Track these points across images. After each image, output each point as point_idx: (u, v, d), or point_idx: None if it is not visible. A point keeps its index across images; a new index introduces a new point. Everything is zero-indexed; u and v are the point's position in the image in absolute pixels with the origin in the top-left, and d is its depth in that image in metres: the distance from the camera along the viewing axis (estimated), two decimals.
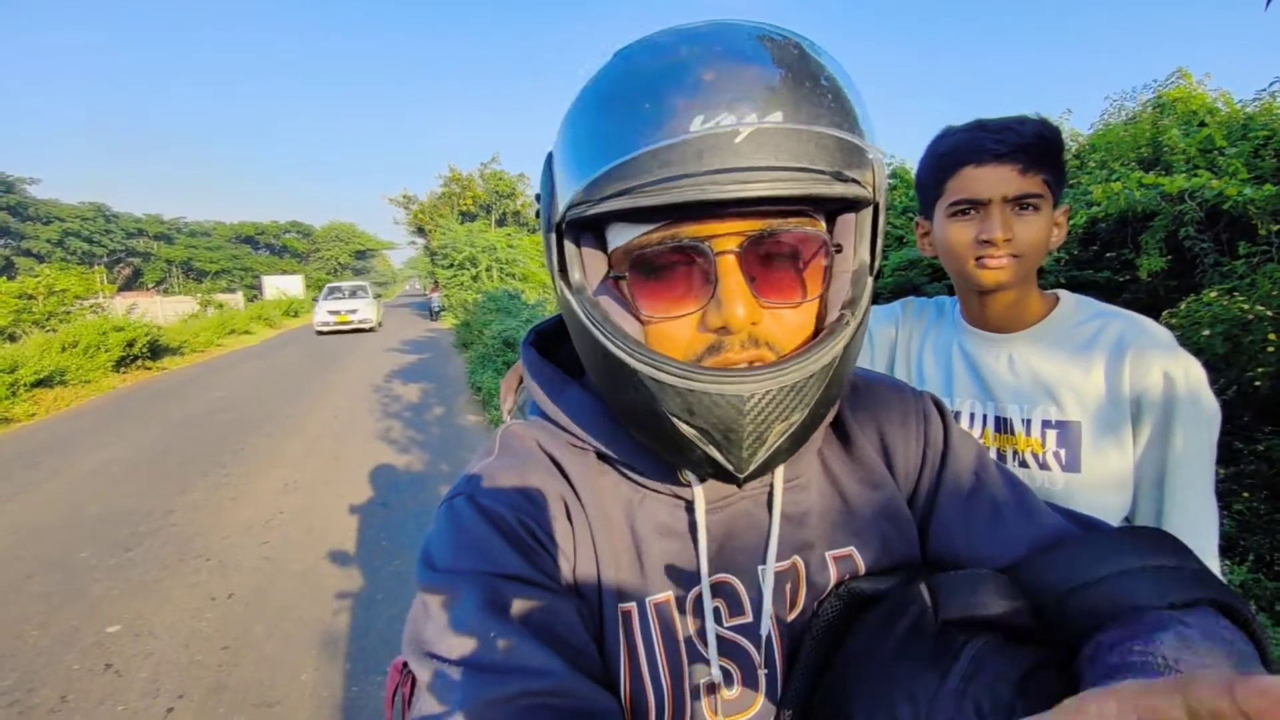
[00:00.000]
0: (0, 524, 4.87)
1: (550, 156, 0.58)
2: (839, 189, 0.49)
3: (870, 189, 0.52)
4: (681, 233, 0.52)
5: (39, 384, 10.22)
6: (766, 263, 0.53)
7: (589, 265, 0.57)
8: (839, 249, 0.56)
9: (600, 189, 0.49)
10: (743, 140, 0.45)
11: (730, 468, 0.53)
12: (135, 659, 3.05)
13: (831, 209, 0.57)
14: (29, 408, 9.41)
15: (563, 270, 0.57)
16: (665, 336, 0.54)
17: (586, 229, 0.57)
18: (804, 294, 0.55)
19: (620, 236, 0.55)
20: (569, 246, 0.57)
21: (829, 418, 0.66)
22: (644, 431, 0.56)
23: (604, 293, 0.57)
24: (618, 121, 0.49)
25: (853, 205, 0.56)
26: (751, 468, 0.53)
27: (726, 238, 0.51)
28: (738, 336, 0.52)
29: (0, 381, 9.21)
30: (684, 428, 0.52)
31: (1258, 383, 2.95)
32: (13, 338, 13.16)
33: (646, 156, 0.47)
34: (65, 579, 3.91)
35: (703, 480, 0.61)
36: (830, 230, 0.58)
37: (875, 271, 0.57)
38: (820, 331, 0.55)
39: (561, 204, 0.54)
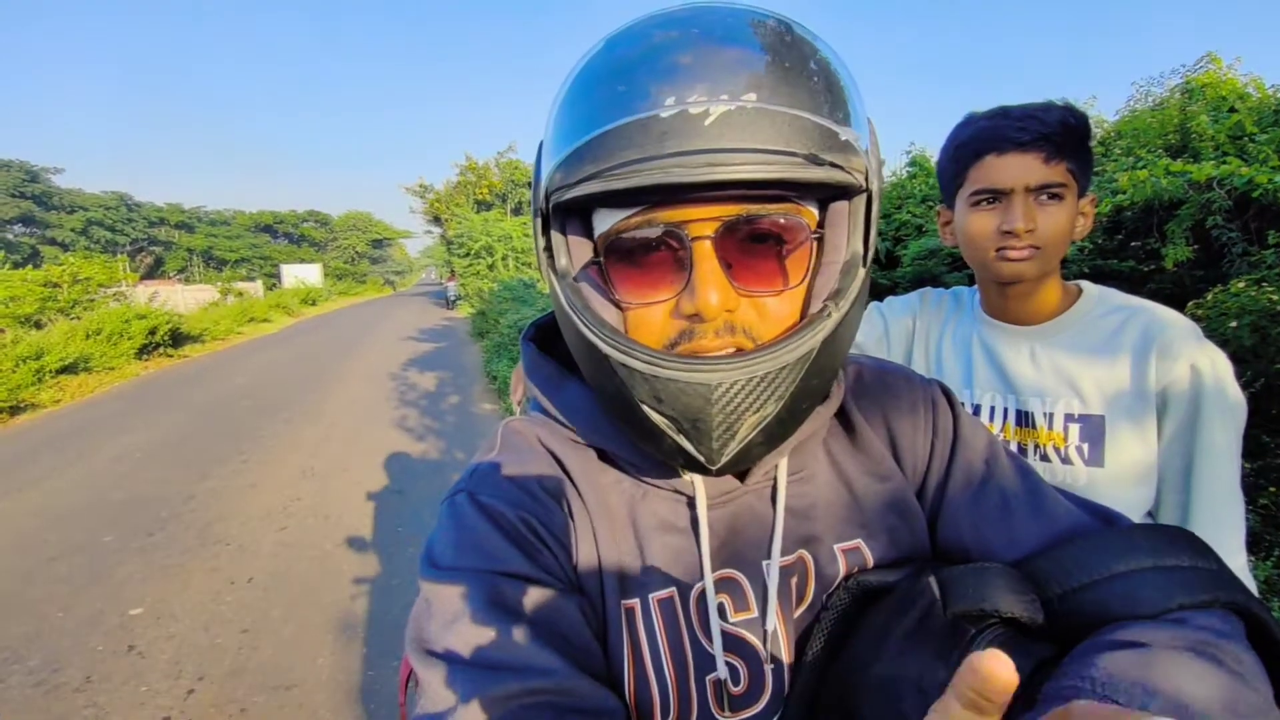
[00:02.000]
0: (27, 508, 4.98)
1: (540, 143, 0.57)
2: (816, 173, 0.47)
3: (859, 175, 0.50)
4: (657, 217, 0.51)
5: (64, 370, 10.42)
6: (745, 249, 0.52)
7: (574, 251, 0.57)
8: (821, 237, 0.55)
9: (573, 171, 0.49)
10: (712, 122, 0.44)
11: (700, 459, 0.52)
12: (157, 641, 3.12)
13: (820, 196, 0.55)
14: (54, 394, 9.60)
15: (549, 255, 0.57)
16: (642, 322, 0.54)
17: (572, 214, 0.56)
18: (785, 282, 0.53)
19: (603, 221, 0.54)
20: (554, 231, 0.56)
21: (831, 407, 0.64)
22: (620, 418, 0.56)
23: (585, 278, 0.56)
24: (591, 104, 0.49)
25: (843, 192, 0.54)
26: (723, 460, 0.52)
27: (702, 223, 0.50)
28: (711, 324, 0.51)
29: (26, 368, 9.39)
30: (654, 415, 0.51)
31: None
32: (39, 325, 13.40)
33: (611, 135, 0.46)
34: (89, 562, 3.99)
35: (681, 472, 0.60)
36: (821, 218, 0.56)
37: (869, 261, 0.55)
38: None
39: (543, 187, 0.53)
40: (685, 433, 0.51)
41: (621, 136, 0.46)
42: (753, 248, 0.52)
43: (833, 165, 0.48)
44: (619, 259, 0.54)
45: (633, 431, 0.55)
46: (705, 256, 0.50)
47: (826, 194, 0.55)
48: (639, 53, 0.48)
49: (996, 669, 0.26)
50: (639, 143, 0.45)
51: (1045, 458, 1.06)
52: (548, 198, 0.53)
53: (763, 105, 0.45)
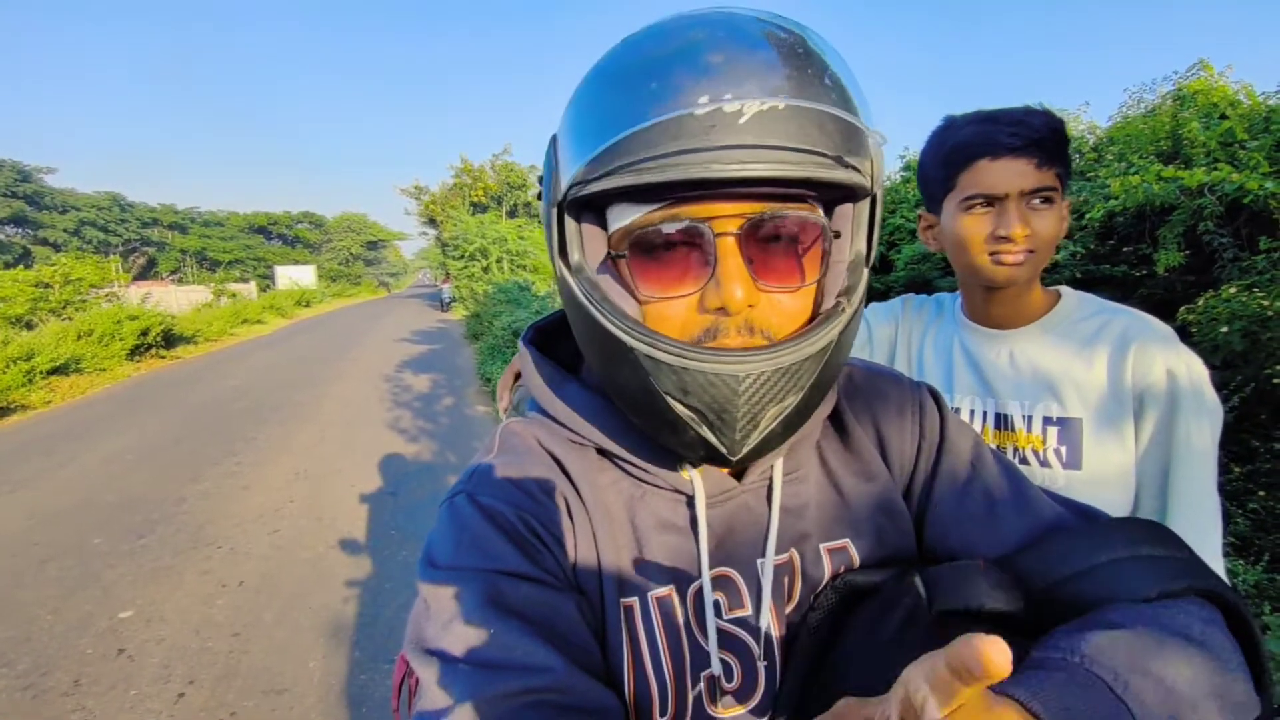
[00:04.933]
0: (17, 510, 4.95)
1: (554, 138, 0.58)
2: (840, 174, 0.49)
3: (869, 179, 0.52)
4: (682, 213, 0.52)
5: (55, 371, 10.36)
6: (765, 246, 0.53)
7: (589, 246, 0.57)
8: (837, 235, 0.56)
9: (605, 164, 0.49)
10: (747, 119, 0.45)
11: (723, 449, 0.53)
12: (147, 644, 3.09)
13: (830, 198, 0.57)
14: (45, 395, 9.55)
15: (563, 251, 0.57)
16: (663, 317, 0.54)
17: (587, 209, 0.57)
18: (802, 279, 0.55)
19: (621, 217, 0.55)
20: (570, 226, 0.57)
21: (826, 409, 0.66)
22: (638, 412, 0.56)
23: (603, 273, 0.57)
24: (624, 99, 0.49)
25: (851, 195, 0.56)
26: (744, 450, 0.53)
27: (727, 219, 0.51)
28: (734, 319, 0.52)
29: (17, 369, 9.33)
30: (678, 407, 0.52)
31: (1276, 380, 2.90)
32: (30, 326, 13.32)
33: (653, 130, 0.47)
34: (79, 564, 3.97)
35: (696, 465, 0.61)
36: (829, 220, 0.57)
37: (871, 262, 0.57)
38: (816, 318, 0.55)
39: (564, 182, 0.53)
40: (709, 424, 0.52)
41: (657, 132, 0.47)
42: (773, 245, 0.53)
43: (853, 168, 0.50)
44: (641, 253, 0.54)
45: (652, 424, 0.56)
46: (730, 252, 0.51)
47: (836, 195, 0.56)
48: (669, 50, 0.49)
49: (993, 655, 0.27)
50: (675, 137, 0.46)
51: (1024, 461, 1.07)
52: (568, 191, 0.53)
53: (794, 103, 0.46)
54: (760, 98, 0.45)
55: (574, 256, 0.56)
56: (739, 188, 0.50)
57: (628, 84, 0.49)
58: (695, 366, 0.50)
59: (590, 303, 0.54)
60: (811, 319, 0.56)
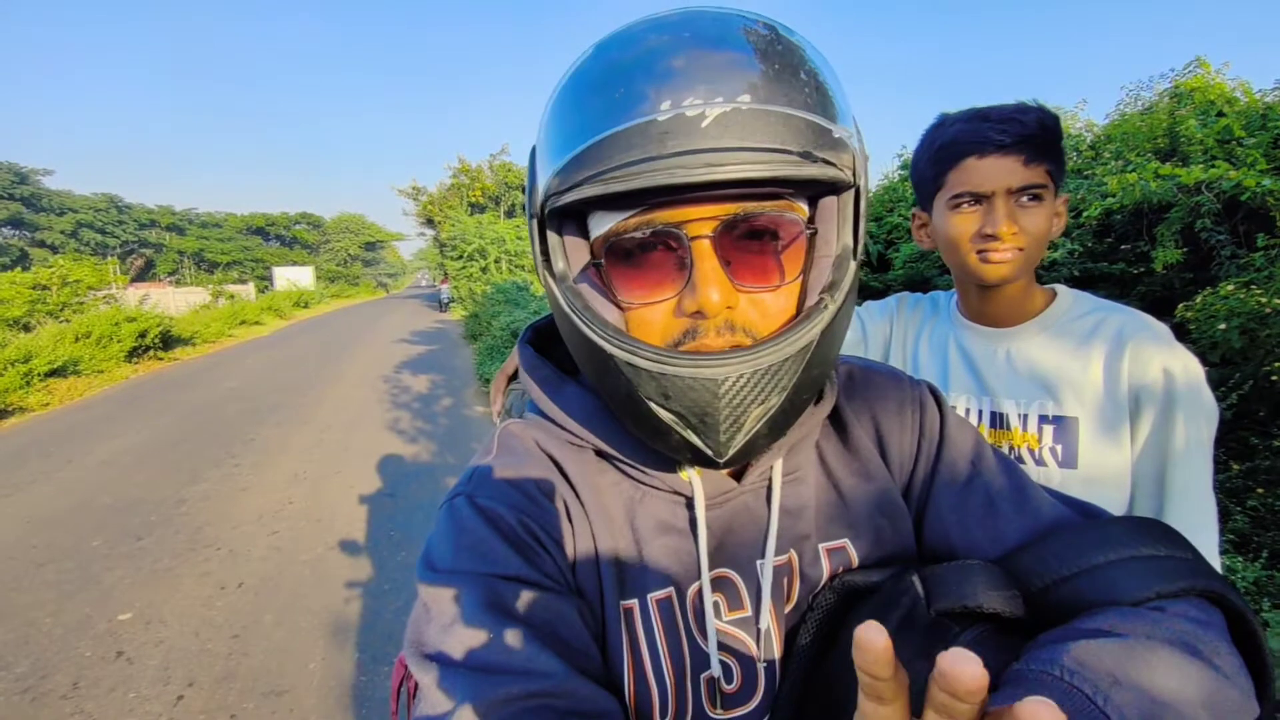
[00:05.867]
0: (14, 513, 4.93)
1: (533, 149, 0.58)
2: (810, 170, 0.48)
3: (848, 171, 0.51)
4: (656, 218, 0.52)
5: (53, 374, 10.34)
6: (742, 246, 0.53)
7: (571, 254, 0.57)
8: (814, 232, 0.56)
9: (572, 175, 0.49)
10: (710, 123, 0.45)
11: (709, 452, 0.52)
12: (146, 647, 3.09)
13: (811, 192, 0.56)
14: (43, 397, 9.52)
15: (546, 260, 0.57)
16: (643, 322, 0.54)
17: (569, 218, 0.57)
18: (782, 277, 0.54)
19: (600, 224, 0.55)
20: (551, 235, 0.57)
21: (825, 408, 0.65)
22: (626, 416, 0.56)
23: (585, 280, 0.57)
24: (589, 110, 0.49)
25: (833, 188, 0.55)
26: (730, 452, 0.52)
27: (700, 222, 0.51)
28: (713, 321, 0.52)
29: (15, 371, 9.31)
30: (661, 412, 0.52)
31: (1275, 377, 2.91)
32: (27, 328, 13.30)
33: (612, 140, 0.47)
34: (78, 567, 3.95)
35: (687, 465, 0.61)
36: (812, 214, 0.57)
37: (859, 255, 0.56)
38: (799, 315, 0.55)
39: (540, 193, 0.54)
40: (693, 427, 0.51)
41: (620, 141, 0.47)
42: (750, 245, 0.53)
43: (825, 162, 0.49)
44: (618, 260, 0.54)
45: (640, 429, 0.56)
46: (705, 255, 0.51)
47: (817, 190, 0.56)
48: (632, 58, 0.49)
49: (962, 668, 0.26)
50: (639, 145, 0.46)
51: (1019, 459, 1.06)
52: (544, 202, 0.53)
53: (757, 105, 0.46)
54: (723, 100, 0.45)
55: (558, 265, 0.57)
56: (710, 190, 0.49)
57: (594, 94, 0.50)
58: (673, 371, 0.50)
59: (572, 311, 0.54)
60: (796, 315, 0.55)
